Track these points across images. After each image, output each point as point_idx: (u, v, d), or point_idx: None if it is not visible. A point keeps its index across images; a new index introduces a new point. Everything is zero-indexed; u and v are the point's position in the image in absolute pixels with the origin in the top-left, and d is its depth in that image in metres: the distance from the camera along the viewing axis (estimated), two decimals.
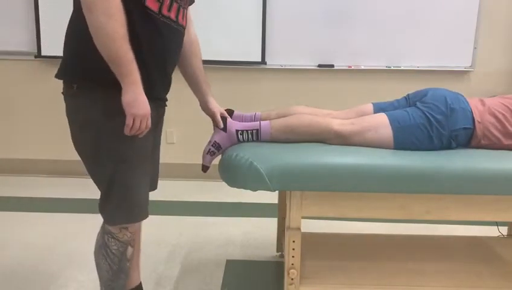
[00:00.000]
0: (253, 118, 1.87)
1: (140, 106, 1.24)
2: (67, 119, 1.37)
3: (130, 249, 1.44)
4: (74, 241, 2.40)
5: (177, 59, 1.46)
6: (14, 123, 3.57)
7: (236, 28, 3.31)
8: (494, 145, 1.65)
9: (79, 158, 1.36)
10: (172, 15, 1.34)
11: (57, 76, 1.35)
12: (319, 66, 3.38)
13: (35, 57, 3.37)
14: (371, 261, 1.82)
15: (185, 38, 1.52)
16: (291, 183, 1.47)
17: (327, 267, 1.77)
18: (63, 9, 3.32)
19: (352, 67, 3.38)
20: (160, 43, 1.33)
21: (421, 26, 3.31)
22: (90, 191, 3.19)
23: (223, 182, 1.56)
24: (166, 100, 1.52)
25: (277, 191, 2.08)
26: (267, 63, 3.37)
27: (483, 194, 1.50)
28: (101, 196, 1.37)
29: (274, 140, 1.67)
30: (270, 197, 3.12)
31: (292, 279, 1.57)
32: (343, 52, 3.36)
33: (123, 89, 1.22)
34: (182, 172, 3.57)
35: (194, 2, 1.53)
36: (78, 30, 1.26)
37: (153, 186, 1.57)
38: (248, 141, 1.69)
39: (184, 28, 1.44)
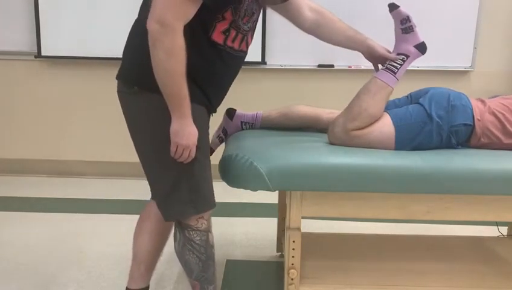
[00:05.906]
0: (255, 118, 1.89)
1: (184, 136, 1.30)
2: (127, 116, 1.41)
3: (210, 236, 1.49)
4: (74, 241, 2.40)
5: (236, 75, 1.54)
6: (14, 123, 3.57)
7: None
8: (494, 144, 1.64)
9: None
10: (236, 45, 1.41)
11: (129, 80, 1.38)
12: (319, 66, 3.37)
13: (35, 57, 3.37)
14: (371, 261, 1.82)
15: (312, 19, 1.66)
16: (291, 183, 1.46)
17: (327, 267, 1.77)
18: (63, 9, 3.33)
19: (352, 67, 3.38)
20: (222, 69, 1.42)
21: (421, 27, 3.26)
22: (90, 191, 3.21)
23: (223, 182, 1.56)
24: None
25: (277, 191, 2.08)
26: (267, 63, 3.37)
27: (483, 194, 1.50)
28: (169, 193, 1.40)
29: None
30: (270, 197, 3.12)
31: (292, 279, 1.57)
32: (343, 52, 3.30)
33: (172, 118, 1.30)
34: None
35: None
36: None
37: None
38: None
39: (245, 52, 1.50)
